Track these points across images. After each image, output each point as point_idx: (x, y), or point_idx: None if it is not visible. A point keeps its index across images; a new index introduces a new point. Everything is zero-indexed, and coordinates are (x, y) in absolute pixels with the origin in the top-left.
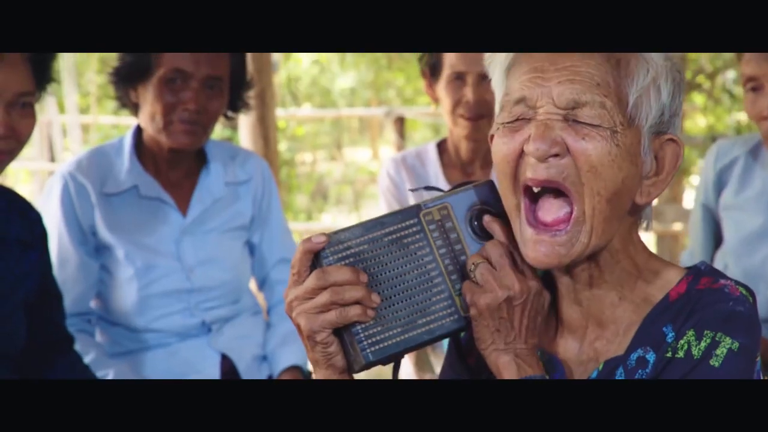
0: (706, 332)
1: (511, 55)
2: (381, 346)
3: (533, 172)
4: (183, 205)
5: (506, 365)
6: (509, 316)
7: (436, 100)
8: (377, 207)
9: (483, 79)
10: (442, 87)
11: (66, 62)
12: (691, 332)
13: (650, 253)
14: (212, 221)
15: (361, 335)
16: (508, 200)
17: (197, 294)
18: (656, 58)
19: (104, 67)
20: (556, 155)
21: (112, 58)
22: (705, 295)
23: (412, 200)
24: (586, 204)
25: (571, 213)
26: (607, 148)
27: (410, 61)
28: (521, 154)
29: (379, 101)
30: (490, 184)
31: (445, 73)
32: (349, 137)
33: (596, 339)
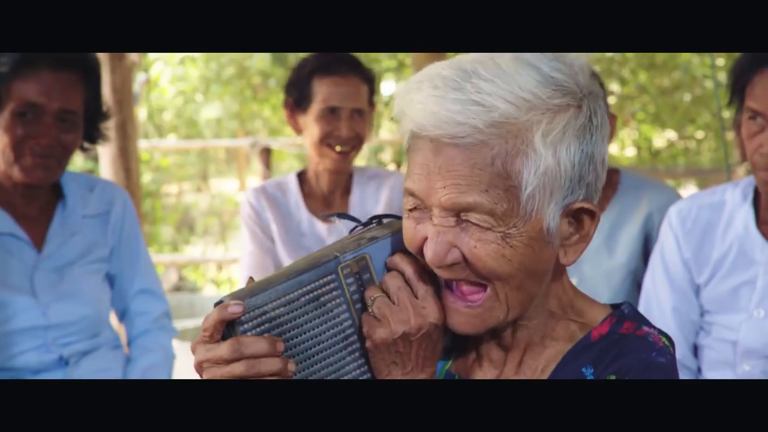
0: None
1: (409, 131)
2: None
3: (438, 271)
4: (38, 241)
5: None
6: (405, 351)
7: (298, 131)
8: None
9: (356, 113)
10: (311, 118)
11: None
12: (613, 378)
13: (576, 291)
14: (69, 255)
15: None
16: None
17: (54, 330)
18: (544, 148)
19: None
20: (454, 263)
21: None
22: (630, 341)
23: (274, 227)
24: (498, 291)
25: (485, 289)
26: (501, 252)
27: (275, 92)
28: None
29: (245, 132)
30: None
31: (317, 106)
32: (215, 168)
33: (514, 373)
